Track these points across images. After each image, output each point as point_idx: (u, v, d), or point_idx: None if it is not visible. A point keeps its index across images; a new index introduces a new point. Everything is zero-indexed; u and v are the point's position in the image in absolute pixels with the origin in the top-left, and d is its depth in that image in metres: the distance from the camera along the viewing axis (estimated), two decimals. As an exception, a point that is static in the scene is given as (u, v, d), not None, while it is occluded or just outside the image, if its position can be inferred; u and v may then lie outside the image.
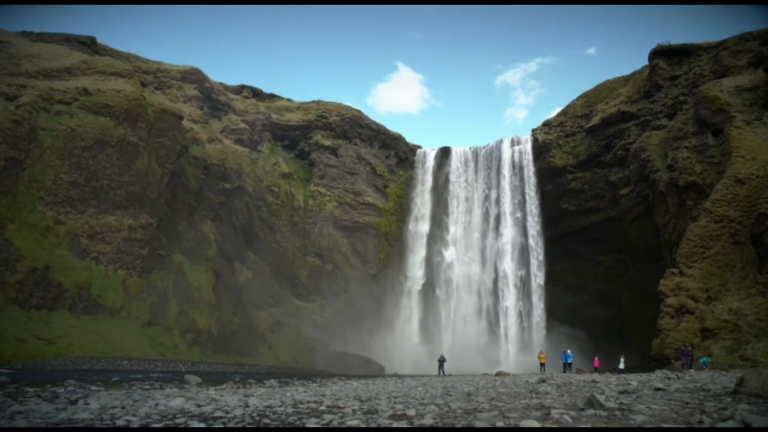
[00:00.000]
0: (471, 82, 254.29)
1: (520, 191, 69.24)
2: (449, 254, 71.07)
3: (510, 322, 64.87)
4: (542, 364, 39.52)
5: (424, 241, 73.15)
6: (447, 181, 74.75)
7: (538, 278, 65.37)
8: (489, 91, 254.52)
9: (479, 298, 68.34)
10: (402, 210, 77.00)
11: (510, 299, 65.73)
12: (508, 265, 67.08)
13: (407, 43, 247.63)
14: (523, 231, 67.75)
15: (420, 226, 74.43)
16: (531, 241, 66.71)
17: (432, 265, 72.25)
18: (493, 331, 66.16)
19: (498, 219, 69.64)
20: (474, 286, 69.13)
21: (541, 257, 66.01)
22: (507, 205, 69.09)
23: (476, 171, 73.98)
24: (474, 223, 71.61)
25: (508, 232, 68.17)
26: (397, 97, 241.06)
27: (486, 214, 71.00)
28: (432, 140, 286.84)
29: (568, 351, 40.26)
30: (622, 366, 37.88)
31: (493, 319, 66.79)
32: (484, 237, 70.40)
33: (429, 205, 74.90)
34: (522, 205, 68.70)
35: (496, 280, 67.76)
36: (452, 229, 72.33)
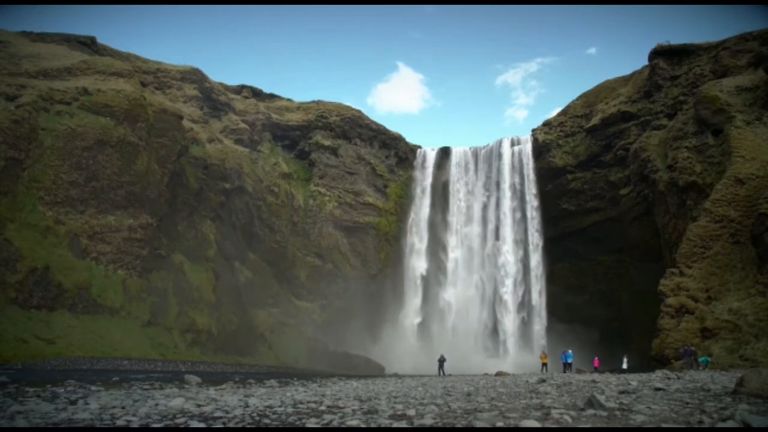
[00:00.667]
0: (471, 82, 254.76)
1: (520, 191, 69.27)
2: (448, 294, 69.90)
3: (510, 322, 64.87)
4: (544, 364, 39.58)
5: (420, 285, 71.43)
6: (447, 188, 74.45)
7: (538, 280, 65.40)
8: (489, 91, 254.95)
9: (481, 309, 68.09)
10: (402, 210, 76.94)
11: (510, 303, 65.72)
12: (509, 268, 67.10)
13: (407, 43, 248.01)
14: (524, 232, 67.77)
15: (416, 262, 72.76)
16: (531, 242, 66.76)
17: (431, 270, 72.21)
18: (493, 332, 66.20)
19: (498, 222, 69.60)
20: (476, 294, 68.90)
21: (541, 258, 66.04)
22: (507, 207, 69.09)
23: (476, 172, 73.98)
24: (474, 229, 71.38)
25: (509, 235, 68.16)
26: (398, 97, 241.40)
27: (485, 219, 70.90)
28: (432, 140, 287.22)
29: (569, 351, 40.28)
30: (625, 366, 37.88)
31: (493, 319, 66.81)
32: (484, 243, 70.26)
33: (426, 235, 73.29)
34: (522, 206, 68.73)
35: (496, 283, 67.76)
36: (451, 254, 71.32)
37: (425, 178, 77.34)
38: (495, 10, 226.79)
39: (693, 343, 33.29)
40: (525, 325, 64.65)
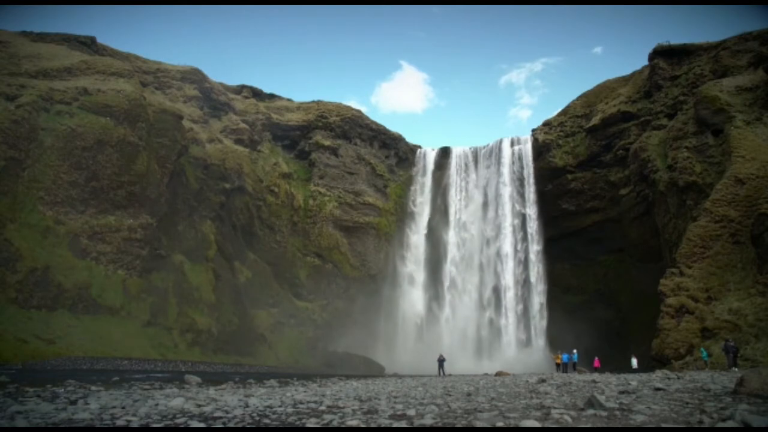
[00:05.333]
0: (475, 82, 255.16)
1: (519, 192, 69.24)
2: (448, 294, 69.73)
3: (509, 322, 64.86)
4: (558, 365, 39.81)
5: (419, 285, 71.53)
6: (446, 188, 74.40)
7: (538, 280, 65.38)
8: (493, 90, 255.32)
9: (480, 309, 68.01)
10: (402, 210, 76.95)
11: (510, 303, 65.69)
12: (508, 268, 67.07)
13: (411, 42, 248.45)
14: (524, 233, 67.77)
15: (415, 262, 72.68)
16: (531, 242, 66.73)
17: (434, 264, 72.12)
18: (492, 332, 66.17)
19: (498, 222, 69.54)
20: (476, 294, 68.83)
21: (541, 258, 66.03)
22: (507, 207, 69.03)
23: (476, 172, 73.98)
24: (474, 229, 71.31)
25: (509, 235, 68.13)
26: (401, 96, 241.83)
27: (485, 219, 70.79)
28: (436, 140, 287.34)
29: (575, 351, 40.57)
30: (635, 366, 37.90)
31: (493, 318, 66.77)
32: (483, 243, 70.17)
33: (426, 235, 73.49)
34: (522, 206, 68.70)
35: (496, 283, 67.71)
36: (451, 254, 71.13)
37: (425, 178, 77.36)
38: (499, 10, 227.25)
39: (739, 338, 31.24)
40: (524, 324, 64.65)
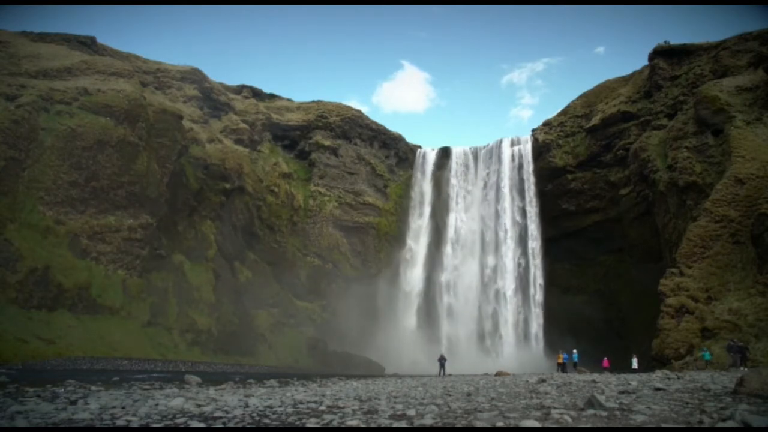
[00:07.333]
0: (477, 82, 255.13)
1: (519, 192, 69.23)
2: (448, 294, 69.72)
3: (509, 322, 64.87)
4: (560, 364, 39.73)
5: (419, 285, 71.59)
6: (446, 188, 74.40)
7: (537, 280, 65.38)
8: (494, 90, 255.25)
9: (480, 309, 68.01)
10: (402, 210, 76.92)
11: (509, 303, 65.70)
12: (508, 268, 67.10)
13: (413, 41, 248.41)
14: (523, 233, 67.76)
15: (415, 262, 72.92)
16: (530, 243, 66.74)
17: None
18: (492, 332, 66.17)
19: (498, 222, 69.51)
20: (476, 294, 68.83)
21: (541, 258, 66.04)
22: (507, 207, 69.02)
23: (476, 172, 74.00)
24: (473, 230, 71.30)
25: (508, 235, 68.14)
26: (403, 96, 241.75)
27: (485, 219, 70.75)
28: (437, 140, 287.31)
29: (575, 351, 40.53)
30: (635, 366, 37.89)
31: (492, 319, 66.78)
32: (483, 243, 70.15)
33: (425, 235, 73.60)
34: (522, 206, 68.71)
35: (496, 283, 67.71)
36: (451, 254, 70.99)
37: (425, 178, 77.38)
38: (500, 9, 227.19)
39: (739, 339, 30.25)
40: (524, 325, 64.66)
